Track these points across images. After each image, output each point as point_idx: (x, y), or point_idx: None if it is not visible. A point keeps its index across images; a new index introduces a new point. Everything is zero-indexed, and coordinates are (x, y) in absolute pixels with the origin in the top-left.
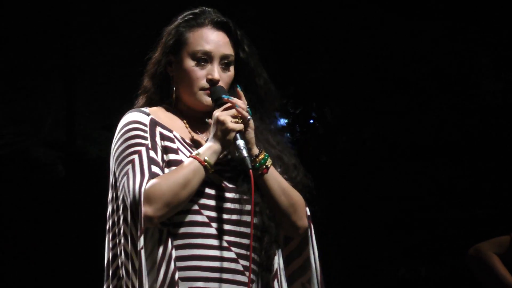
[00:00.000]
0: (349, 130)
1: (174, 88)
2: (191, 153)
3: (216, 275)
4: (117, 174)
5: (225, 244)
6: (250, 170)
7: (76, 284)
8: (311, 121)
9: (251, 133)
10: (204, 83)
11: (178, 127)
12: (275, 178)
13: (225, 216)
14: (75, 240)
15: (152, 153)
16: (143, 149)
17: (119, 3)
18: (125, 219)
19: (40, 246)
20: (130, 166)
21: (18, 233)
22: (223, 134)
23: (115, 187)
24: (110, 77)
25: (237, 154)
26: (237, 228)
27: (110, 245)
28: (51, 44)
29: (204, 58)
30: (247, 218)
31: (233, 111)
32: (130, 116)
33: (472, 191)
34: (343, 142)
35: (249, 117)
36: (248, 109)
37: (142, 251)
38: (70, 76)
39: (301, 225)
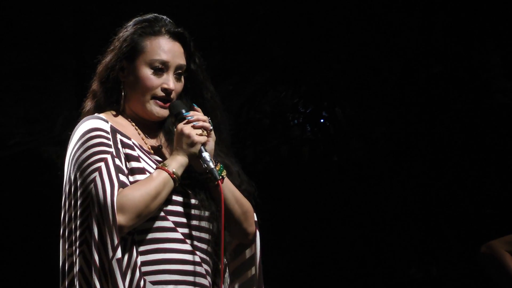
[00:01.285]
0: (360, 130)
1: (123, 94)
2: (150, 159)
3: (185, 278)
4: (79, 181)
5: (190, 248)
6: (219, 181)
7: None
8: (322, 120)
9: (211, 144)
10: (158, 91)
11: (132, 134)
12: (229, 188)
13: (189, 222)
14: None
15: (117, 161)
16: (108, 156)
17: (129, 3)
18: (90, 228)
19: (50, 245)
20: (96, 173)
21: (29, 232)
22: (189, 147)
23: (73, 194)
24: None
25: (204, 166)
26: (200, 234)
27: (67, 253)
28: (63, 44)
29: (161, 68)
30: (205, 224)
31: (197, 124)
32: (90, 123)
33: (483, 190)
34: (354, 142)
35: (211, 127)
36: (209, 120)
37: (119, 261)
38: (82, 75)
39: (251, 232)
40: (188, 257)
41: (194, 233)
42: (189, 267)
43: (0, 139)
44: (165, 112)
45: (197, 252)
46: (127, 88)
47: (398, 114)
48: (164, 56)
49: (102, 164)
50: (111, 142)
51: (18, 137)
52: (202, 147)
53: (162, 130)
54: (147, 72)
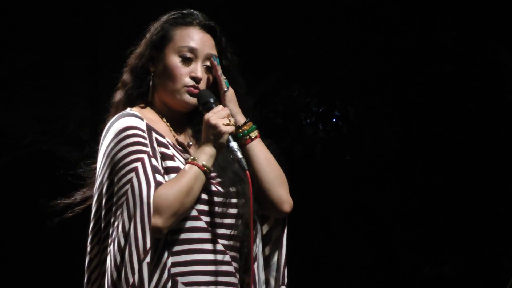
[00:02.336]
0: (373, 129)
1: (151, 84)
2: (183, 157)
3: (216, 278)
4: (115, 180)
5: (221, 248)
6: (247, 171)
7: None
8: (335, 120)
9: (230, 105)
10: (188, 80)
11: (164, 131)
12: (261, 148)
13: (218, 220)
14: None
15: (154, 161)
16: (145, 156)
17: (143, 3)
18: (123, 228)
19: (62, 245)
20: (133, 174)
21: (43, 232)
22: (216, 138)
23: (106, 193)
24: None
25: (231, 156)
26: (229, 231)
27: (89, 250)
28: (77, 43)
29: (189, 56)
30: (239, 222)
31: (223, 114)
32: (126, 121)
33: (497, 190)
34: (367, 141)
35: (225, 88)
36: (224, 80)
37: (148, 265)
38: (95, 75)
39: (287, 200)
40: (220, 257)
41: (224, 231)
42: (221, 268)
43: (13, 139)
44: (193, 100)
45: (229, 252)
46: (156, 78)
47: (410, 113)
48: (192, 44)
49: (139, 164)
50: (147, 141)
51: (31, 136)
52: (229, 137)
53: (190, 125)
54: (175, 60)
